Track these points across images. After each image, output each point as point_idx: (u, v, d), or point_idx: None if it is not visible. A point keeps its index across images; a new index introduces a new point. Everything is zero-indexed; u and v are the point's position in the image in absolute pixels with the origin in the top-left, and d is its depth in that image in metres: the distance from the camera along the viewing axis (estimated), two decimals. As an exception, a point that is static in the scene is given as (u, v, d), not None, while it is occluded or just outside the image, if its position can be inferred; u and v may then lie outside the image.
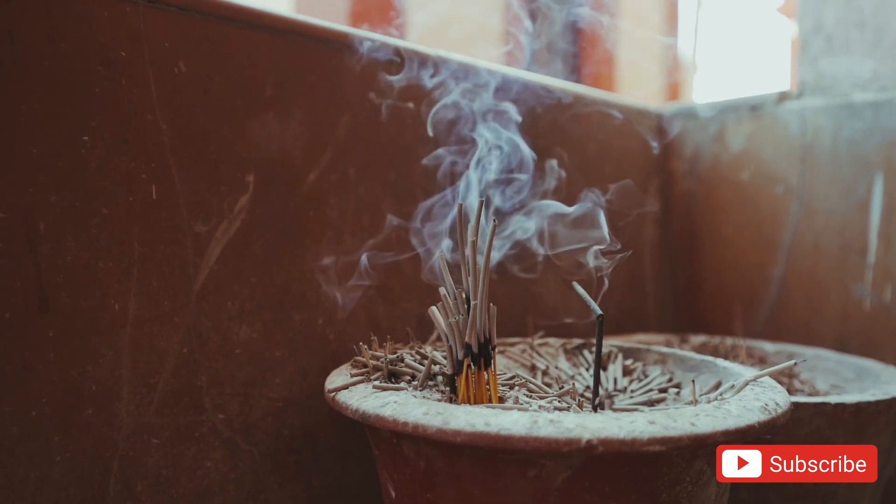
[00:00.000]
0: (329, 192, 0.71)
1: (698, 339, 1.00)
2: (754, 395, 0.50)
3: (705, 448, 0.46)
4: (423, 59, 0.79)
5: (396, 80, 0.76)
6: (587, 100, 1.03)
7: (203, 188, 0.62)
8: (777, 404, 0.49)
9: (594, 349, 0.76)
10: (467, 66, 0.83)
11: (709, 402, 0.55)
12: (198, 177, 0.61)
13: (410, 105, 0.78)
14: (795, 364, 0.56)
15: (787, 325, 1.12)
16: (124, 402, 0.56)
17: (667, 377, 0.68)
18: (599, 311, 0.52)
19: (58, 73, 0.53)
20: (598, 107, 1.05)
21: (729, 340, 0.97)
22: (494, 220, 0.54)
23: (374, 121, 0.75)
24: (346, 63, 0.72)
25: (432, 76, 0.80)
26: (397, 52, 0.76)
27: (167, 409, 0.59)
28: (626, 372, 0.71)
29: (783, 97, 1.12)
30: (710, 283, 1.22)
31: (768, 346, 0.97)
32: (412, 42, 0.80)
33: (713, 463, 0.48)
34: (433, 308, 0.57)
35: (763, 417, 0.46)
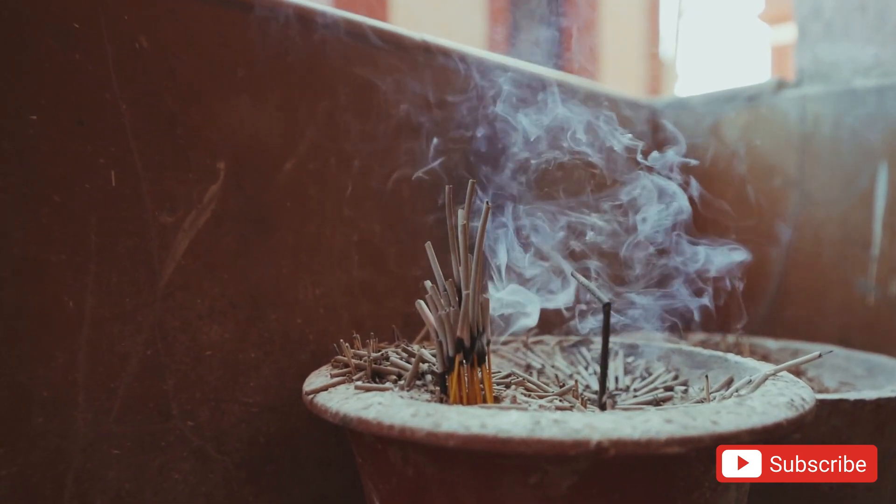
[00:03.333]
0: (308, 183, 0.66)
1: (697, 336, 0.96)
2: (778, 391, 0.46)
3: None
4: (407, 44, 0.74)
5: (379, 64, 0.72)
6: (575, 90, 0.99)
7: (169, 175, 0.57)
8: (803, 400, 0.45)
9: (590, 347, 0.71)
10: (452, 51, 0.78)
11: (723, 399, 0.51)
12: (163, 163, 0.56)
13: (394, 92, 0.73)
14: (820, 356, 0.51)
15: (787, 322, 1.08)
16: (80, 410, 0.51)
17: (672, 374, 0.64)
18: (605, 299, 0.47)
19: (1, 44, 0.48)
20: (587, 97, 1.01)
21: (730, 337, 0.92)
22: (488, 203, 0.49)
23: (355, 107, 0.70)
24: (326, 45, 0.67)
25: (418, 61, 0.75)
26: (380, 35, 0.71)
27: (129, 417, 0.54)
28: (628, 370, 0.67)
29: (781, 86, 1.08)
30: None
31: (771, 343, 0.93)
32: (394, 25, 0.76)
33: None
34: (420, 301, 0.52)
35: (791, 414, 0.42)
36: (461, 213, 0.50)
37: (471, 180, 0.50)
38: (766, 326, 1.09)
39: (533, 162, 0.76)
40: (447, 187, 0.52)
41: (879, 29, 0.99)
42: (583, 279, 0.52)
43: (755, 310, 1.11)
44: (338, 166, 0.69)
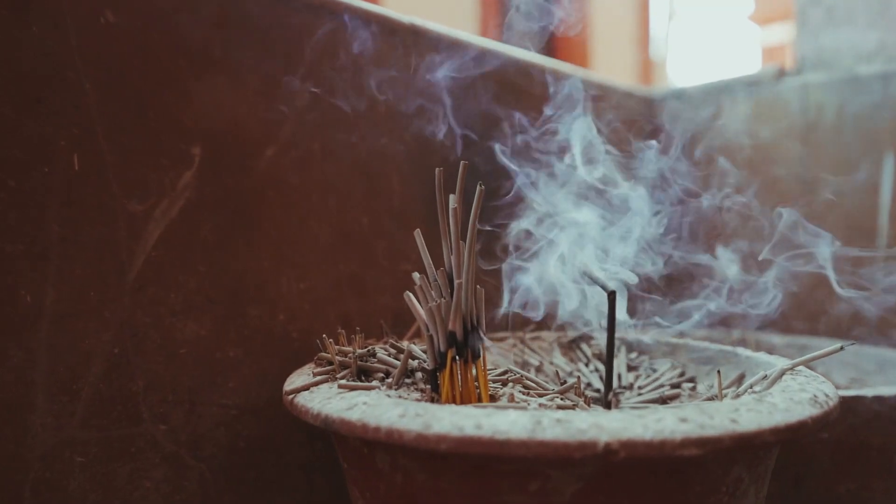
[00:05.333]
0: (290, 171, 0.62)
1: (700, 332, 0.92)
2: (798, 386, 0.42)
3: (747, 450, 0.38)
4: (396, 27, 0.70)
5: (367, 47, 0.68)
6: (570, 79, 0.95)
7: (138, 161, 0.53)
8: (827, 396, 0.41)
9: (590, 343, 0.67)
10: (443, 37, 0.74)
11: (737, 396, 0.47)
12: (132, 147, 0.52)
13: (384, 76, 0.70)
14: (842, 349, 0.48)
15: (790, 317, 1.04)
16: (39, 414, 0.47)
17: (678, 371, 0.60)
18: (611, 287, 0.44)
19: (-51, 14, 0.44)
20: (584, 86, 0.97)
21: (736, 333, 0.89)
22: (481, 185, 0.45)
23: (342, 91, 0.66)
24: (308, 24, 0.63)
25: (406, 44, 0.71)
26: (366, 16, 0.67)
27: (95, 421, 0.50)
28: (631, 367, 0.63)
29: (782, 74, 1.05)
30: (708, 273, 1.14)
31: (776, 339, 0.90)
32: (384, 8, 0.72)
33: (754, 468, 0.40)
34: (409, 293, 0.48)
35: (815, 411, 0.38)
36: (452, 197, 0.47)
37: (462, 162, 0.46)
38: (767, 322, 1.06)
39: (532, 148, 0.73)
40: (437, 170, 0.48)
41: (883, 13, 0.96)
42: (587, 269, 0.48)
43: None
44: (322, 154, 0.65)
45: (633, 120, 1.09)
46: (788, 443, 0.49)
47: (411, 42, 0.72)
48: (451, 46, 0.75)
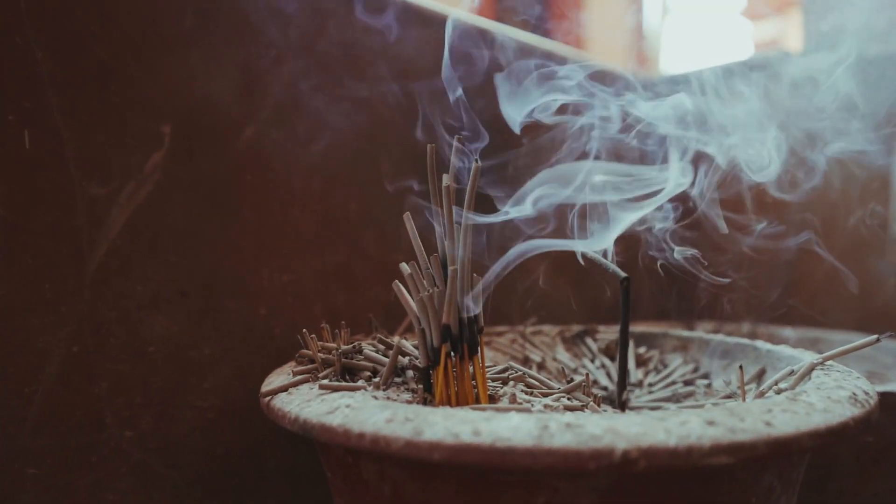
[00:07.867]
0: (272, 153, 0.58)
1: (707, 326, 0.88)
2: (835, 382, 0.38)
3: (781, 457, 0.34)
4: (385, 2, 0.65)
5: (356, 21, 0.63)
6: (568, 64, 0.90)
7: (101, 139, 0.48)
8: (867, 394, 0.36)
9: (595, 337, 0.63)
10: (435, 13, 0.70)
11: (762, 394, 0.42)
12: (93, 124, 0.47)
13: (374, 53, 0.65)
14: (878, 341, 0.43)
15: (800, 309, 1.00)
16: (-14, 419, 0.42)
17: (691, 366, 0.55)
18: (623, 274, 0.39)
19: None
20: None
21: (745, 326, 0.84)
22: (477, 161, 0.40)
23: (328, 68, 0.61)
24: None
25: (397, 20, 0.67)
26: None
27: (50, 428, 0.45)
28: (640, 362, 0.58)
29: (786, 56, 1.01)
30: (712, 265, 1.10)
31: (788, 332, 0.85)
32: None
33: (786, 475, 0.35)
34: (398, 282, 0.43)
35: (857, 411, 0.34)
36: (446, 175, 0.42)
37: (456, 136, 0.42)
38: (776, 314, 1.02)
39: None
40: (429, 146, 0.43)
41: (896, -9, 0.92)
42: (595, 256, 0.43)
43: (765, 297, 1.03)
44: (306, 135, 0.60)
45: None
46: (832, 447, 0.45)
47: (402, 18, 0.67)
48: (441, 22, 0.70)
